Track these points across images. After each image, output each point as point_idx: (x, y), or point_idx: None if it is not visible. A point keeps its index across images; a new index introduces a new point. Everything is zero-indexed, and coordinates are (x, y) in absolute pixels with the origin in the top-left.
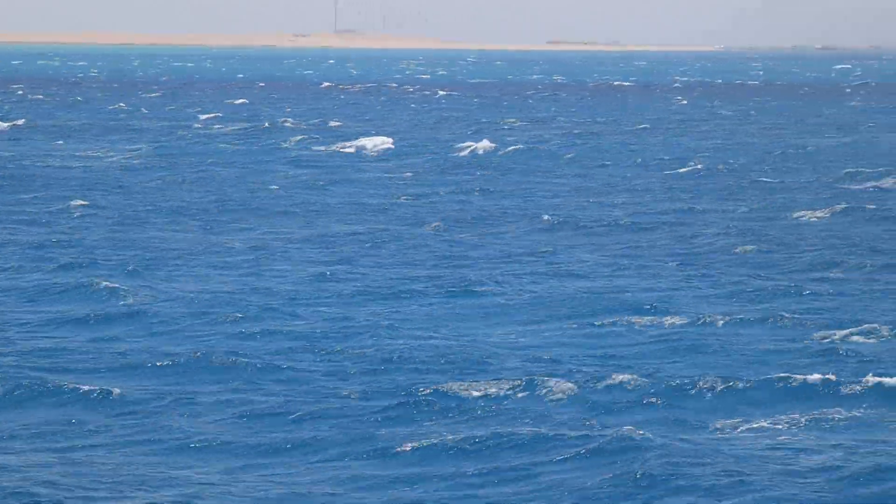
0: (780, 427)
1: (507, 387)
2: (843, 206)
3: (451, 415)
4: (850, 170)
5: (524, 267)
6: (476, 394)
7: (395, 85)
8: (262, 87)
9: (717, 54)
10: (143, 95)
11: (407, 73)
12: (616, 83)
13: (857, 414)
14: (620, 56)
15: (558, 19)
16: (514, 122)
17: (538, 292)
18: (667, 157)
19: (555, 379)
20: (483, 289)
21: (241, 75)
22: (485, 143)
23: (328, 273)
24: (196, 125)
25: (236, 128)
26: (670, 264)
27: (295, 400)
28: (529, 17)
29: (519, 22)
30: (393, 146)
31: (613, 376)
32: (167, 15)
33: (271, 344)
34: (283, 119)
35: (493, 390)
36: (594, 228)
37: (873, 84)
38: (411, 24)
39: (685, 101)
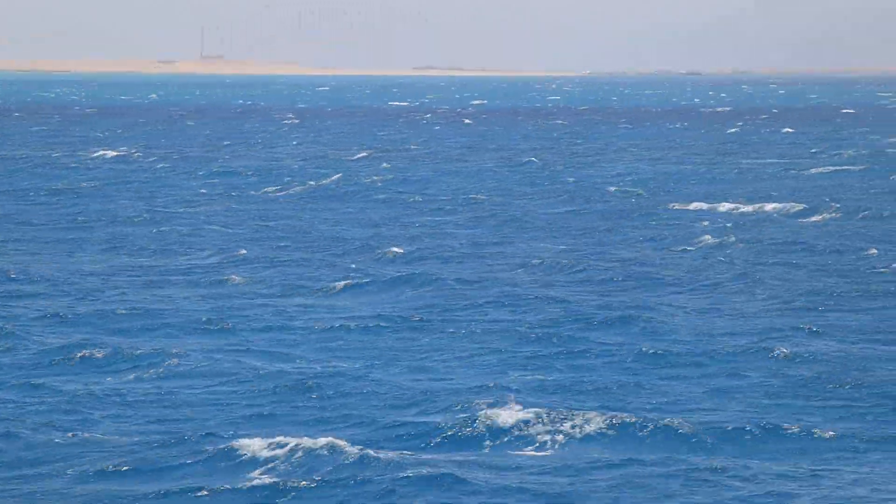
0: None
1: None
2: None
3: None
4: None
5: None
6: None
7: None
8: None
9: (585, 79)
10: None
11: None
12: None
13: None
14: (486, 80)
15: (426, 46)
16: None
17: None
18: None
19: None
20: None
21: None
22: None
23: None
24: None
25: None
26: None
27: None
28: (397, 43)
29: (386, 48)
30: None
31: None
32: (36, 40)
33: None
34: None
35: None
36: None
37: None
38: (278, 50)
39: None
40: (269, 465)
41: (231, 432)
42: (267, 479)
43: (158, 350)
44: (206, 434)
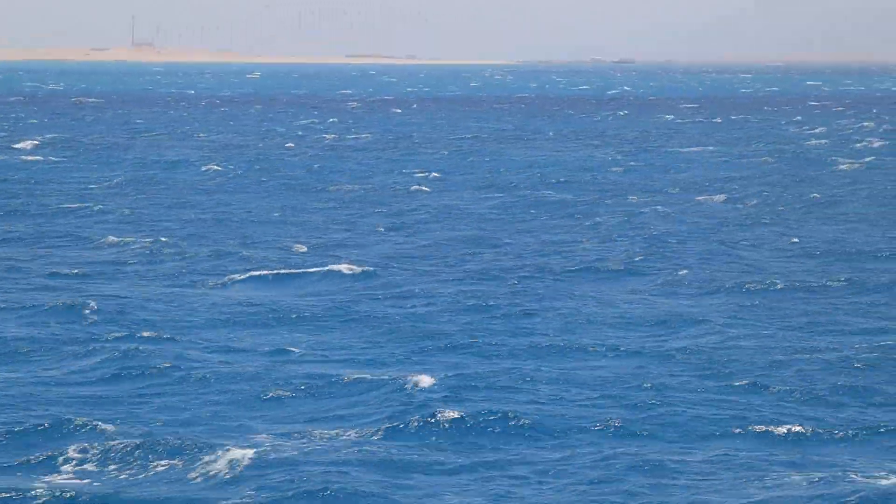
0: None
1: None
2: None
3: None
4: None
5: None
6: None
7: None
8: None
9: (516, 67)
10: None
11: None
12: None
13: None
14: (414, 69)
15: (359, 33)
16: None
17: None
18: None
19: None
20: None
21: None
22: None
23: None
24: None
25: None
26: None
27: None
28: (330, 31)
29: (320, 36)
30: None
31: None
32: None
33: None
34: None
35: None
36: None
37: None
38: (213, 38)
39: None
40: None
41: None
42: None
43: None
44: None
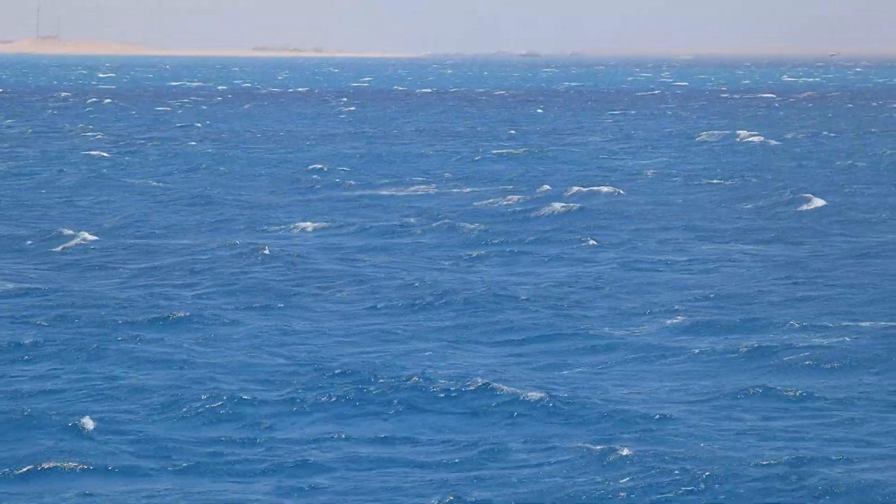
0: None
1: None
2: None
3: None
4: None
5: None
6: None
7: None
8: None
9: (419, 60)
10: None
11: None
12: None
13: None
14: (319, 62)
15: (265, 25)
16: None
17: None
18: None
19: None
20: None
21: None
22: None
23: None
24: None
25: None
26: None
27: None
28: (237, 23)
29: (227, 28)
30: None
31: None
32: None
33: None
34: None
35: None
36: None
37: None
38: (114, 31)
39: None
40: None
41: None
42: None
43: None
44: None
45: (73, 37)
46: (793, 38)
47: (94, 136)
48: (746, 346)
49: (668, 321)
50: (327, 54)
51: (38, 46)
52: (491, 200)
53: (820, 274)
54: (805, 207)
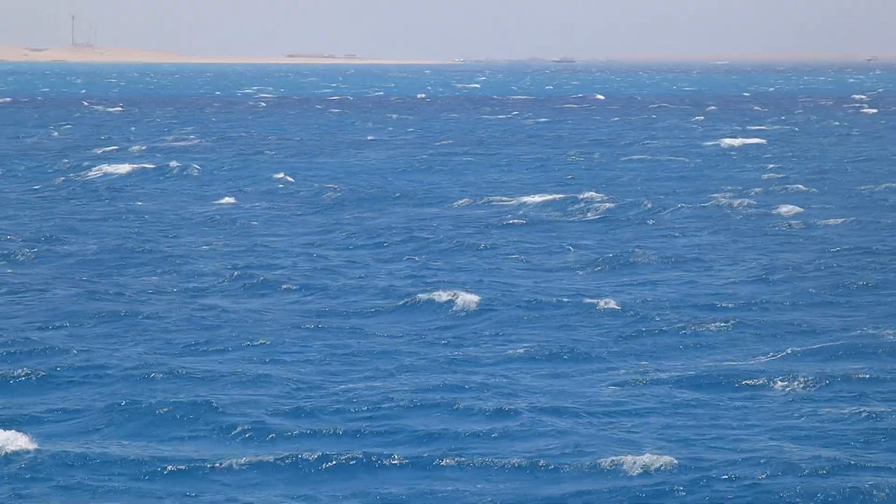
0: None
1: None
2: None
3: None
4: None
5: None
6: None
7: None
8: None
9: (455, 66)
10: None
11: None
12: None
13: None
14: (355, 69)
15: (299, 33)
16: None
17: None
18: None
19: None
20: None
21: None
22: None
23: None
24: None
25: None
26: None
27: None
28: (271, 30)
29: (260, 36)
30: None
31: None
32: None
33: None
34: None
35: None
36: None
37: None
38: (150, 39)
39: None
40: None
41: None
42: None
43: None
44: None
45: (107, 44)
46: (827, 42)
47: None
48: None
49: None
50: (360, 61)
51: (73, 54)
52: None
53: None
54: None
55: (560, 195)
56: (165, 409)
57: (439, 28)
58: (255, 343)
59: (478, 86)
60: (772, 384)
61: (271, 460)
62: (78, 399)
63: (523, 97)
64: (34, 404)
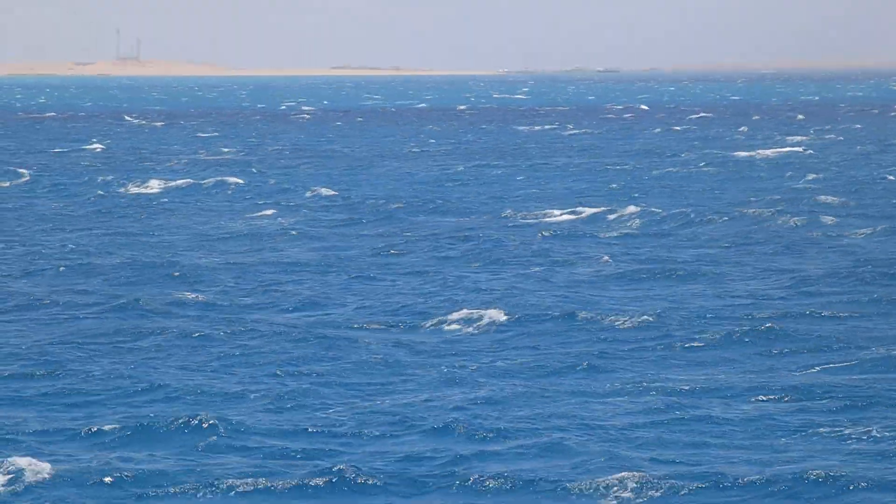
0: None
1: None
2: None
3: None
4: None
5: None
6: None
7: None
8: None
9: (499, 77)
10: None
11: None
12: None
13: None
14: (402, 80)
15: (344, 45)
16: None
17: None
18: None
19: None
20: None
21: None
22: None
23: None
24: None
25: None
26: None
27: None
28: (316, 43)
29: (306, 48)
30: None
31: None
32: None
33: None
34: None
35: None
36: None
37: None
38: (196, 51)
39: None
40: None
41: None
42: None
43: None
44: None
45: (151, 57)
46: (863, 50)
47: None
48: None
49: None
50: (405, 72)
51: (118, 68)
52: None
53: None
54: None
55: (599, 208)
56: (185, 427)
57: (483, 39)
58: (284, 357)
59: (521, 96)
60: (808, 400)
61: (306, 482)
62: (101, 417)
63: (565, 108)
64: (56, 420)
